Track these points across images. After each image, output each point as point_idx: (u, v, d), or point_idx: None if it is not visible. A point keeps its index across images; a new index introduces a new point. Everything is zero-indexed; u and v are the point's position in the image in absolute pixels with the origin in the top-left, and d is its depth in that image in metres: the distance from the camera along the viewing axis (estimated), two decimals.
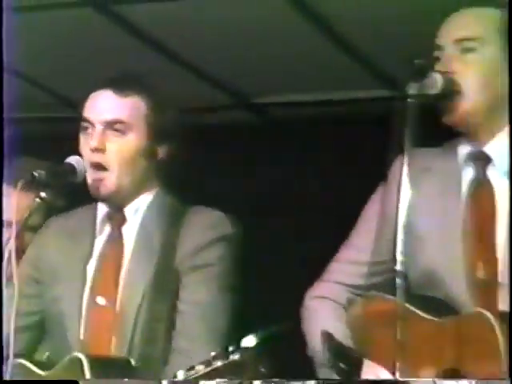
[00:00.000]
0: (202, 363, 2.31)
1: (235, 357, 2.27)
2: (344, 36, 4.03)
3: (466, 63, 2.61)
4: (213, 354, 2.28)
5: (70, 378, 2.77)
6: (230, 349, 2.28)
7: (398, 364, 2.26)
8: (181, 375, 2.36)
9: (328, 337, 2.54)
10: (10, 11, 3.05)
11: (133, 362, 2.78)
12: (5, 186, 2.96)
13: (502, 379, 2.34)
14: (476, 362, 2.43)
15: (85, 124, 2.91)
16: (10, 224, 2.74)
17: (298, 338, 2.75)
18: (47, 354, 2.96)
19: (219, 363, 2.28)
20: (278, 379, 2.37)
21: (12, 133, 3.17)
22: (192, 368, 2.32)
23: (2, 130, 2.88)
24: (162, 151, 2.97)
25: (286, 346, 2.35)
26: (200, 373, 2.31)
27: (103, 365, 2.76)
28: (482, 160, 2.66)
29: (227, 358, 2.27)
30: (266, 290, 4.12)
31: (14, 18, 3.43)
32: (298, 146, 4.79)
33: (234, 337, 2.44)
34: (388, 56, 3.50)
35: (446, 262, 2.61)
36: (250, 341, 2.27)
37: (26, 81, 4.43)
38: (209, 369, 2.29)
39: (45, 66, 4.33)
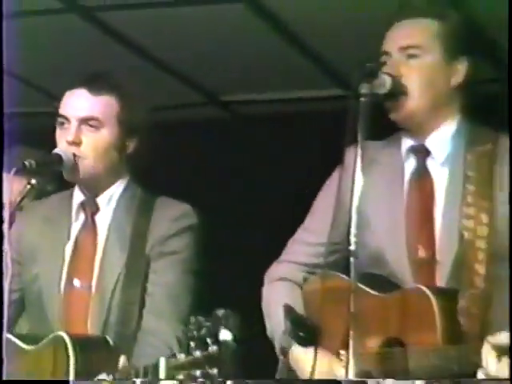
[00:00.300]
0: (182, 352, 2.33)
1: (214, 348, 2.29)
2: (305, 42, 4.07)
3: (410, 68, 2.67)
4: (192, 344, 2.30)
5: (54, 354, 2.77)
6: (209, 341, 2.29)
7: (351, 333, 2.30)
8: (162, 362, 2.39)
9: (289, 309, 2.56)
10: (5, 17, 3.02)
11: (110, 341, 2.80)
12: (4, 174, 2.95)
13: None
14: (415, 332, 2.49)
15: (61, 119, 2.95)
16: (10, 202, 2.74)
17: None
18: (27, 328, 2.97)
19: (198, 353, 2.30)
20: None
21: (10, 125, 3.24)
22: (173, 356, 2.36)
23: (2, 124, 2.88)
24: (131, 145, 3.01)
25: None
26: (180, 361, 2.34)
27: (84, 342, 2.77)
28: (422, 152, 2.72)
29: (206, 349, 2.29)
30: (227, 274, 4.04)
31: (7, 23, 3.46)
32: (261, 140, 4.79)
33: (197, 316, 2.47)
34: (343, 59, 3.52)
35: (391, 244, 2.67)
36: (227, 335, 2.29)
37: (19, 80, 4.39)
38: (189, 358, 2.32)
39: (34, 65, 4.29)
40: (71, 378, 2.74)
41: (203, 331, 2.32)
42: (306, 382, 2.67)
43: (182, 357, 2.32)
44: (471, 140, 2.72)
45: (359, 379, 2.47)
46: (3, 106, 2.88)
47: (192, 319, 2.36)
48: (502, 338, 2.32)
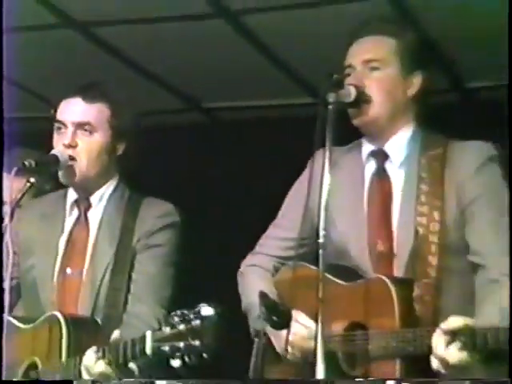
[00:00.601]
0: (167, 326, 2.38)
1: (196, 322, 2.34)
2: (279, 55, 4.09)
3: (372, 79, 2.73)
4: (176, 319, 2.35)
5: (49, 331, 2.82)
6: (192, 316, 2.35)
7: (319, 318, 2.33)
8: (149, 335, 2.44)
9: (263, 295, 2.58)
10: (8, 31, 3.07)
11: (99, 321, 2.89)
12: (4, 174, 2.99)
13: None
14: (376, 318, 2.55)
15: (58, 124, 3.00)
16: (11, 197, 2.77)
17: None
18: (22, 312, 2.98)
19: (182, 327, 2.35)
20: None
21: (10, 129, 3.20)
22: (159, 329, 2.42)
23: (2, 127, 2.90)
24: (121, 148, 3.05)
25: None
26: (165, 334, 2.39)
27: (75, 321, 2.83)
28: (381, 156, 2.78)
29: (189, 323, 2.34)
30: (205, 267, 4.03)
31: (10, 37, 3.43)
32: (238, 144, 4.80)
33: (176, 303, 2.62)
34: (313, 70, 3.54)
35: (354, 239, 2.73)
36: (209, 310, 2.33)
37: (19, 88, 4.39)
38: (174, 331, 2.36)
39: (35, 75, 4.31)
40: (64, 354, 2.77)
41: (187, 309, 2.37)
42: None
43: (167, 330, 2.37)
44: (424, 145, 2.77)
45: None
46: (3, 110, 2.90)
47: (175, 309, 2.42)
48: (451, 322, 2.36)
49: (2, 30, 3.03)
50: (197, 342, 2.32)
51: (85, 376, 2.68)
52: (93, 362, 2.63)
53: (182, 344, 2.34)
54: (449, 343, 2.33)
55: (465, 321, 2.34)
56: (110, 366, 2.61)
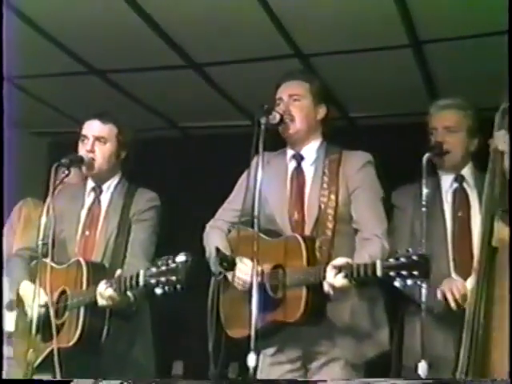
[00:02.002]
0: (153, 267, 2.50)
1: (173, 265, 2.46)
2: (228, 92, 4.27)
3: (295, 106, 2.83)
4: (160, 262, 2.47)
5: (76, 270, 2.88)
6: (170, 261, 2.46)
7: (255, 262, 2.42)
8: (141, 273, 2.56)
9: (217, 249, 2.70)
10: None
11: (106, 265, 2.96)
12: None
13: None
14: (291, 261, 2.65)
15: (82, 138, 3.08)
16: (54, 181, 2.80)
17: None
18: (54, 260, 2.96)
19: (163, 268, 2.48)
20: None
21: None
22: (148, 269, 2.53)
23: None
24: (123, 154, 3.13)
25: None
26: (152, 272, 2.49)
27: (92, 265, 2.91)
28: (299, 158, 2.88)
29: (169, 265, 2.47)
30: (178, 232, 4.00)
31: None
32: (205, 154, 4.87)
33: (159, 256, 2.60)
34: (251, 101, 3.50)
35: (279, 212, 2.82)
36: (181, 257, 2.45)
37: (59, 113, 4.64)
38: (159, 270, 2.48)
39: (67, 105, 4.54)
40: (84, 284, 2.80)
41: (167, 256, 2.51)
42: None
43: (153, 269, 2.52)
44: (327, 152, 2.86)
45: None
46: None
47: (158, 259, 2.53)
48: (337, 261, 2.51)
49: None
50: (173, 278, 2.45)
51: (98, 299, 2.74)
52: (104, 289, 2.73)
53: (163, 279, 2.47)
54: (336, 274, 2.47)
55: (346, 260, 2.51)
56: (115, 292, 2.71)
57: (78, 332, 2.79)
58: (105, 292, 2.73)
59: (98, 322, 2.83)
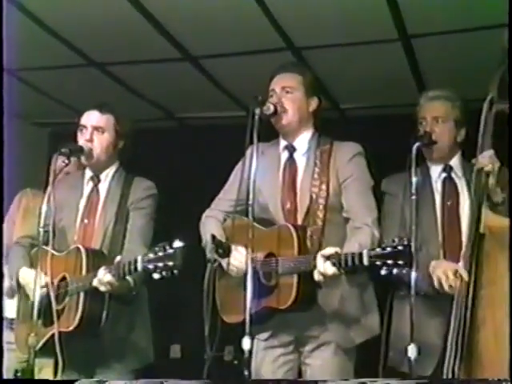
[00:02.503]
0: (151, 253, 2.48)
1: (170, 251, 2.46)
2: (225, 84, 4.29)
3: (287, 98, 2.83)
4: (157, 248, 2.46)
5: (75, 257, 2.86)
6: (167, 246, 2.46)
7: (249, 249, 2.43)
8: (139, 259, 2.54)
9: (213, 236, 2.70)
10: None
11: (105, 253, 2.95)
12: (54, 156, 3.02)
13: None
14: (283, 250, 2.65)
15: (81, 127, 3.07)
16: (54, 171, 2.83)
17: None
18: (55, 247, 2.95)
19: (161, 253, 2.47)
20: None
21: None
22: (146, 255, 2.52)
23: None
24: (121, 144, 3.11)
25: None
26: (150, 257, 2.48)
27: (91, 252, 2.90)
28: (291, 149, 2.88)
29: (166, 250, 2.46)
30: (174, 219, 3.92)
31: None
32: (202, 144, 4.88)
33: (156, 241, 2.59)
34: (246, 92, 3.17)
35: (272, 201, 2.82)
36: (178, 243, 2.44)
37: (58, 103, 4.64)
38: (156, 255, 2.47)
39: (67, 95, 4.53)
40: (84, 271, 2.77)
41: (164, 242, 2.49)
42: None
43: (151, 255, 2.51)
44: (318, 143, 2.86)
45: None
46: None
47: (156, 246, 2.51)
48: (327, 250, 2.51)
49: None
50: (170, 263, 2.45)
51: (97, 285, 2.72)
52: (103, 275, 2.71)
53: (160, 264, 2.47)
54: (325, 262, 2.47)
55: (335, 249, 2.50)
56: (113, 278, 2.69)
57: (78, 317, 2.79)
58: (104, 278, 2.72)
59: (97, 306, 2.83)
